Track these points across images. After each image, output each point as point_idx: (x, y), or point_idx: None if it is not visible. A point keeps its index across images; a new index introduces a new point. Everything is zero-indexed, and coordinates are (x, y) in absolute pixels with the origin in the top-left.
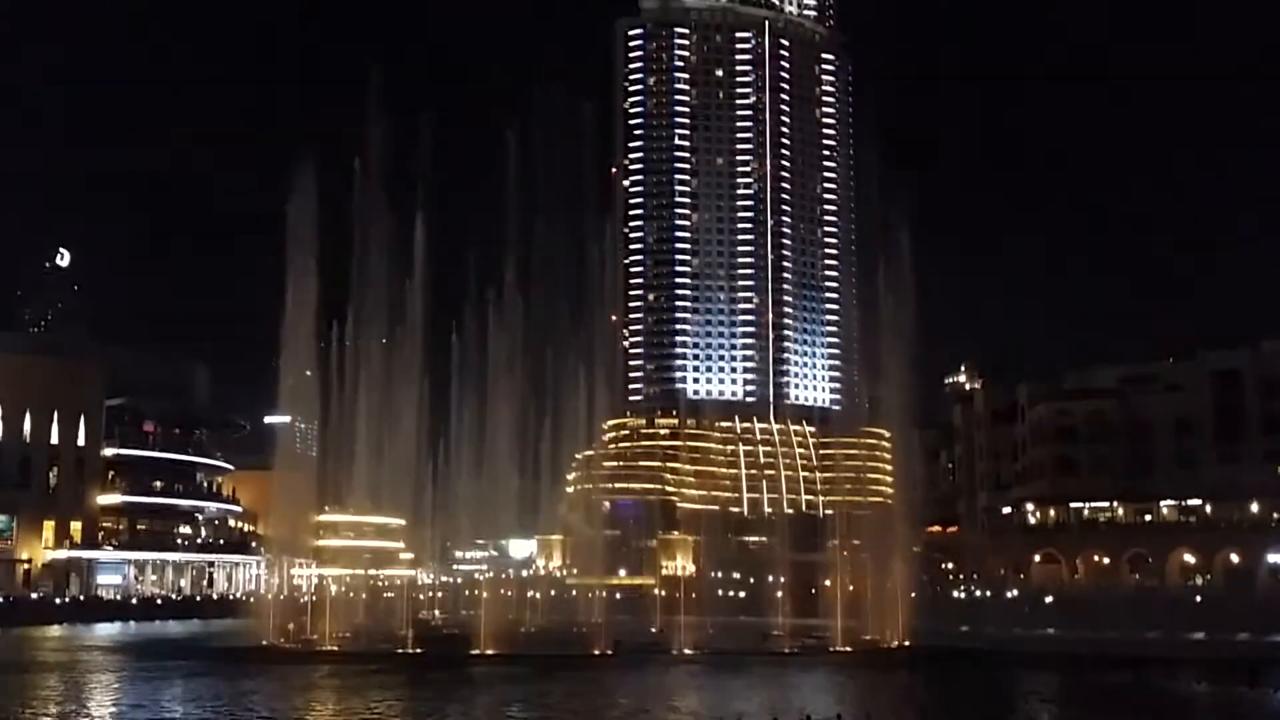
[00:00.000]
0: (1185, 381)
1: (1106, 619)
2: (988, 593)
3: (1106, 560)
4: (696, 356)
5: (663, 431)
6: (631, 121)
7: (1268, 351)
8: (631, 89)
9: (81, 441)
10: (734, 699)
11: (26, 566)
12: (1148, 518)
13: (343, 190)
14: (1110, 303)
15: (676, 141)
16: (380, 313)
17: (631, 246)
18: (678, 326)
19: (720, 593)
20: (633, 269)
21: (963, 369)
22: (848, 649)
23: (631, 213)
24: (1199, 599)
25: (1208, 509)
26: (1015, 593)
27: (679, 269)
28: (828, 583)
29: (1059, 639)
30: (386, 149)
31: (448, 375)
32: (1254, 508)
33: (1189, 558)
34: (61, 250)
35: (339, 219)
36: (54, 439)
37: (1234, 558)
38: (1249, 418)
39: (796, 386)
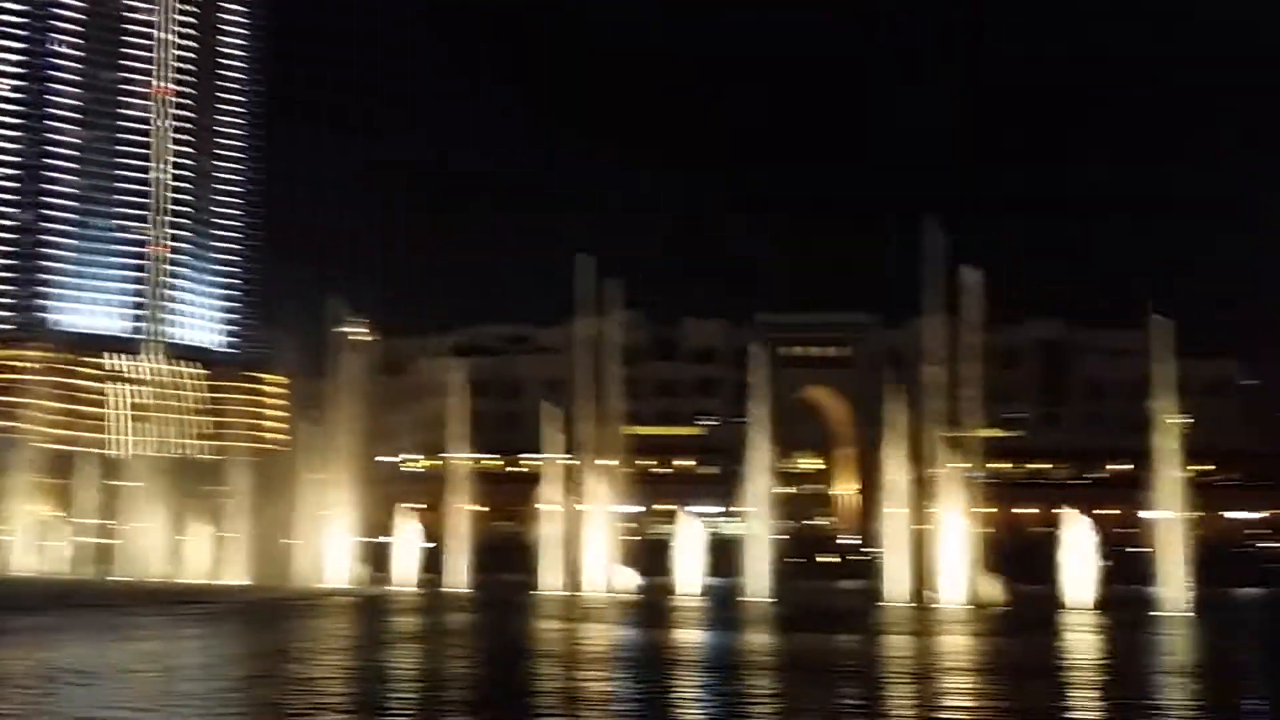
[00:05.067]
0: (560, 345)
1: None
2: (373, 539)
3: (485, 509)
4: (72, 285)
5: (28, 364)
6: (6, 18)
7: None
8: None
9: None
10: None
11: None
12: (516, 469)
13: None
14: (498, 264)
15: (60, 49)
16: None
17: (4, 158)
18: (49, 250)
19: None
20: (2, 182)
21: (356, 319)
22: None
23: (4, 120)
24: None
25: (563, 462)
26: (395, 539)
27: (55, 187)
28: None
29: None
30: None
31: None
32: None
33: (551, 506)
34: None
35: None
36: None
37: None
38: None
39: (186, 326)
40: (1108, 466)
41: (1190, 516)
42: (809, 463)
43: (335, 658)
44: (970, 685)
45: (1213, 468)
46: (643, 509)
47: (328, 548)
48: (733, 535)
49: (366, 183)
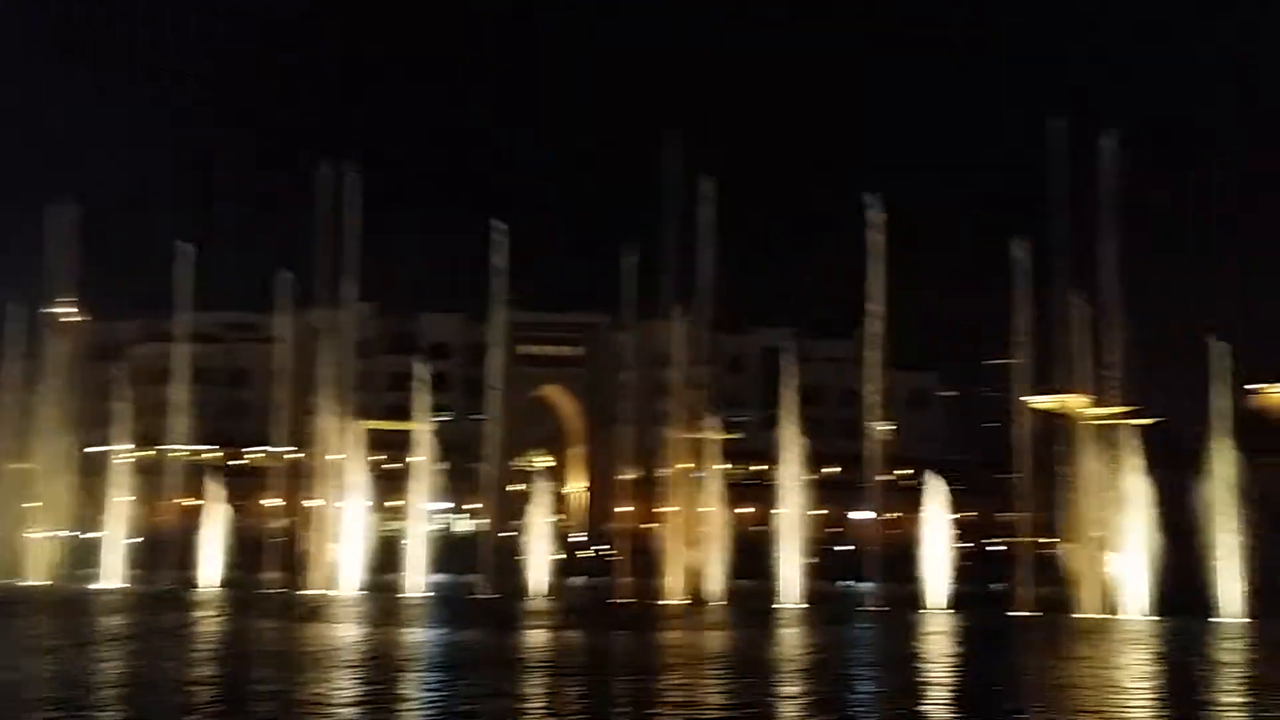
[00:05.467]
0: (282, 334)
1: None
2: (81, 534)
3: (199, 501)
4: None
5: None
6: None
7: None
8: None
9: None
10: None
11: None
12: (239, 462)
13: None
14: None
15: None
16: None
17: None
18: None
19: None
20: None
21: (64, 298)
22: None
23: None
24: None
25: (290, 455)
26: (105, 534)
27: None
28: None
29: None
30: None
31: None
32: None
33: (276, 501)
34: None
35: None
36: None
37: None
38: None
39: None
40: (821, 470)
41: (891, 518)
42: (542, 460)
43: (30, 660)
44: (686, 679)
45: (911, 473)
46: (372, 505)
47: (27, 543)
48: (464, 532)
49: (90, 138)
